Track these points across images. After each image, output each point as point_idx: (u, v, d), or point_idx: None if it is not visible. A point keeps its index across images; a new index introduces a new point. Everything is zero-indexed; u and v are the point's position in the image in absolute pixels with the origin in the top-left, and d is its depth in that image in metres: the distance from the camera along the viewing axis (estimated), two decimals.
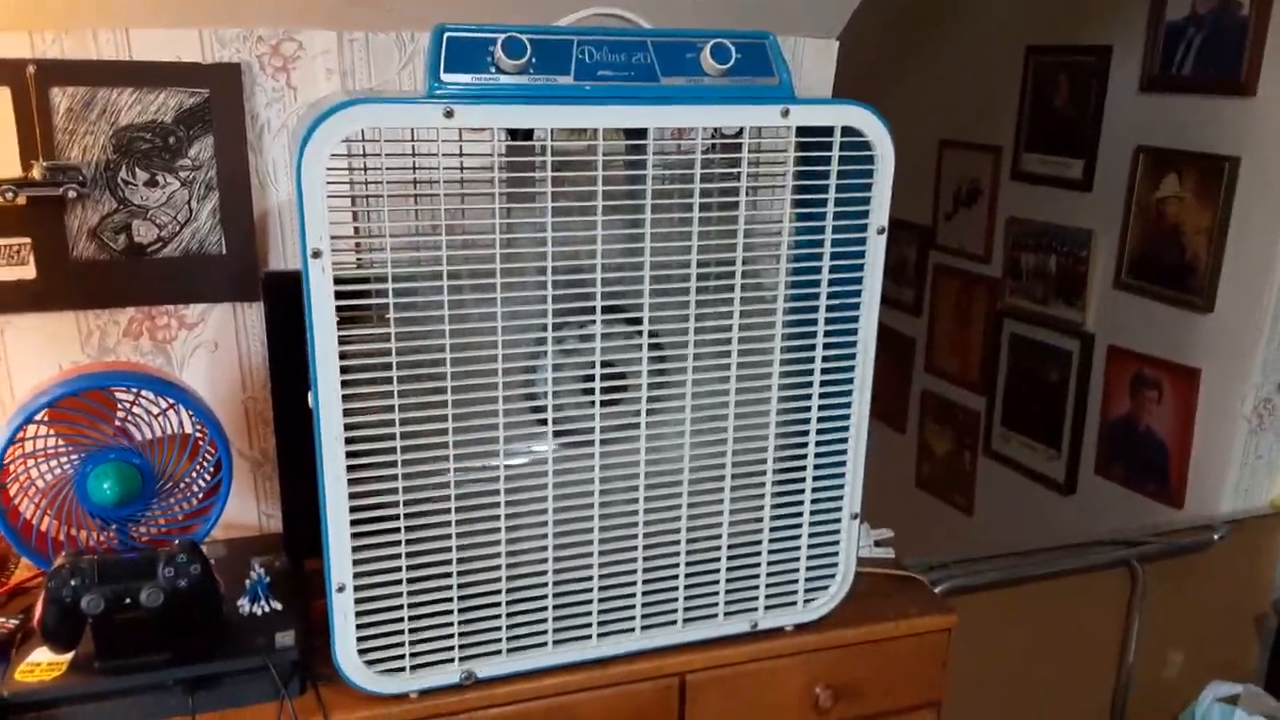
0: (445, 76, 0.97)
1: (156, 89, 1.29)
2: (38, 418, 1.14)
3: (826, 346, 1.17)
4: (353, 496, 1.03)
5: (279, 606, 1.19)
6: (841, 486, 1.23)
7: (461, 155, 1.09)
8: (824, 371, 1.18)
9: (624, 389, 1.13)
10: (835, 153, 1.10)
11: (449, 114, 0.96)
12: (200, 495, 1.23)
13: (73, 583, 1.04)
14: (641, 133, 1.06)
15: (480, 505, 1.09)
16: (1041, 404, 2.72)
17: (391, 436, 1.03)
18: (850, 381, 1.19)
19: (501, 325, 1.04)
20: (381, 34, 1.36)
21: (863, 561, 1.41)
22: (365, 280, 1.00)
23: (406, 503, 1.06)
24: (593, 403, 1.11)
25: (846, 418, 1.20)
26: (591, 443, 1.11)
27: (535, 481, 1.11)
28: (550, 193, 1.02)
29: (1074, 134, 2.53)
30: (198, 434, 1.21)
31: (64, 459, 1.17)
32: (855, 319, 1.17)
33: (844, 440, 1.21)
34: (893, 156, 1.12)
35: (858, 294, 1.16)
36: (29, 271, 1.30)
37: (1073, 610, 2.09)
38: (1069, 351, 2.61)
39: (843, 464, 1.22)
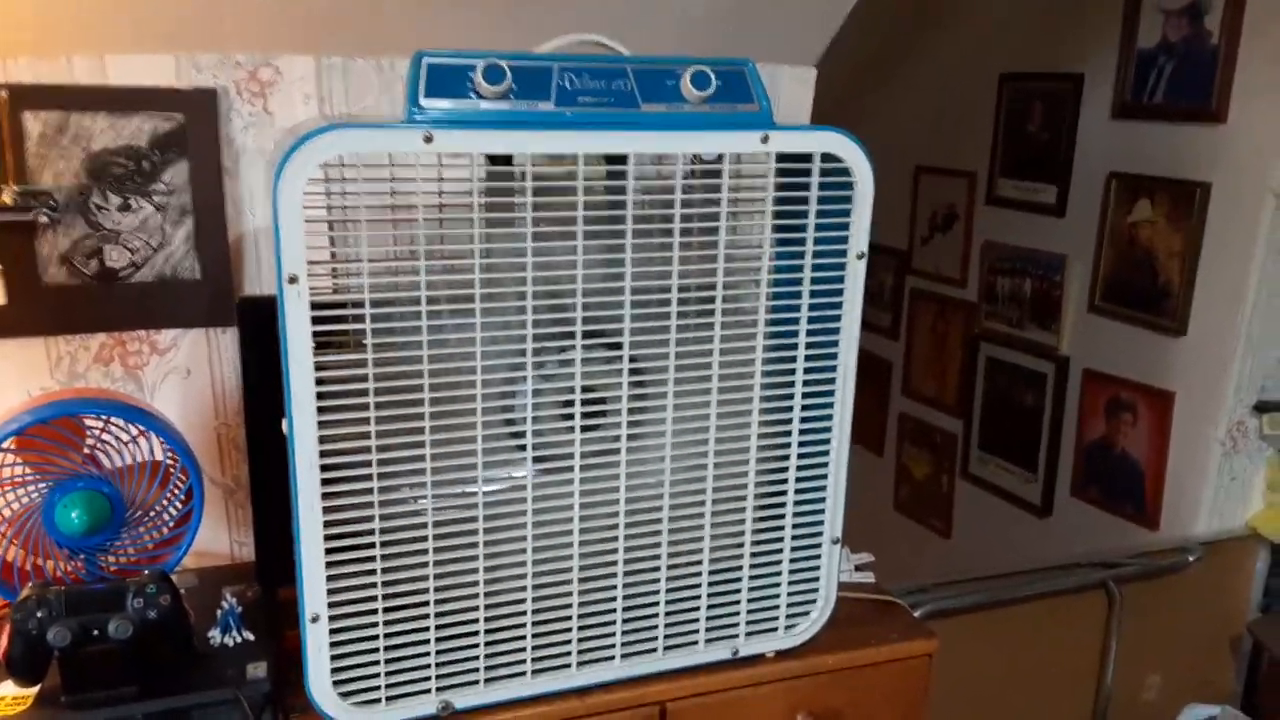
0: (425, 102, 0.97)
1: (131, 114, 1.27)
2: (4, 445, 1.12)
3: (807, 371, 1.17)
4: (328, 525, 1.02)
5: (251, 637, 1.16)
6: (822, 511, 1.22)
7: (440, 180, 1.08)
8: (804, 396, 1.17)
9: (604, 414, 1.12)
10: (815, 179, 1.10)
11: (428, 139, 0.96)
12: (171, 524, 1.21)
13: (39, 614, 1.02)
14: (621, 158, 1.06)
15: (458, 533, 1.08)
16: (1018, 427, 2.73)
17: (367, 463, 1.02)
18: (831, 406, 1.19)
19: (480, 350, 1.03)
20: (359, 59, 1.36)
21: (843, 586, 1.40)
22: (342, 305, 0.99)
23: (383, 531, 1.04)
24: (572, 428, 1.10)
25: (827, 442, 1.20)
26: (571, 468, 1.10)
27: (514, 508, 1.09)
28: (530, 218, 1.02)
29: (1047, 160, 2.56)
30: (168, 461, 1.19)
31: (31, 488, 1.14)
32: (835, 344, 1.17)
33: (824, 465, 1.21)
34: (872, 183, 1.12)
35: (838, 319, 1.16)
36: None
37: (1051, 632, 2.09)
38: (1044, 375, 2.63)
39: (823, 488, 1.21)
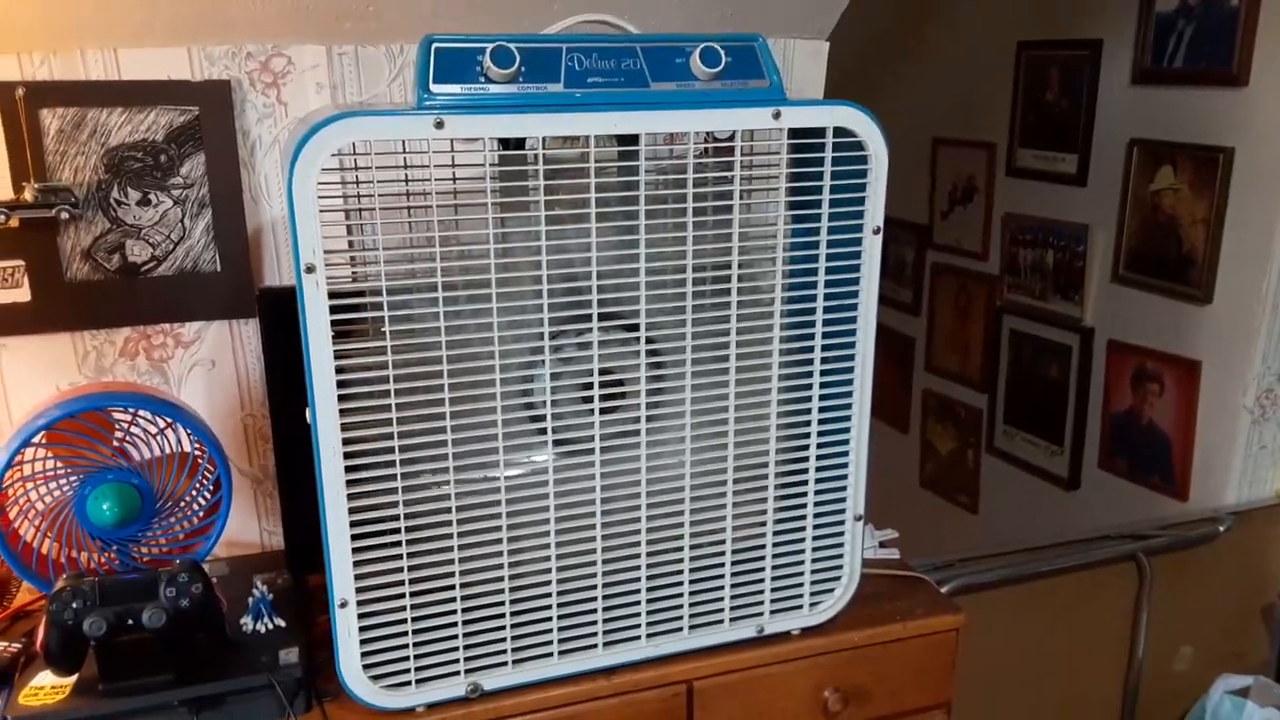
0: (434, 87, 0.97)
1: (146, 108, 1.29)
2: (35, 440, 1.14)
3: (825, 348, 1.16)
4: (353, 511, 1.03)
5: (282, 623, 1.18)
6: (844, 488, 1.22)
7: (454, 166, 1.08)
8: (823, 373, 1.17)
9: (623, 396, 1.12)
10: (829, 154, 1.10)
11: (439, 125, 0.96)
12: (201, 514, 1.23)
13: (74, 605, 1.03)
14: (634, 139, 1.06)
15: (481, 516, 1.08)
16: (1043, 400, 2.71)
17: (390, 450, 1.03)
18: (850, 382, 1.18)
19: (498, 335, 1.03)
20: (370, 47, 1.36)
21: (868, 563, 1.40)
22: (360, 294, 1.00)
23: (407, 516, 1.05)
24: (592, 411, 1.11)
25: (847, 419, 1.20)
26: (591, 451, 1.11)
27: (536, 491, 1.10)
28: (544, 201, 1.02)
29: (1067, 129, 2.53)
30: (196, 452, 1.21)
31: (63, 481, 1.16)
32: (853, 319, 1.16)
33: (845, 442, 1.20)
34: (886, 156, 1.11)
35: (855, 294, 1.15)
36: (24, 294, 1.30)
37: (1081, 606, 2.08)
38: (1069, 347, 2.60)
39: (845, 465, 1.21)
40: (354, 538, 1.03)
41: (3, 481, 1.11)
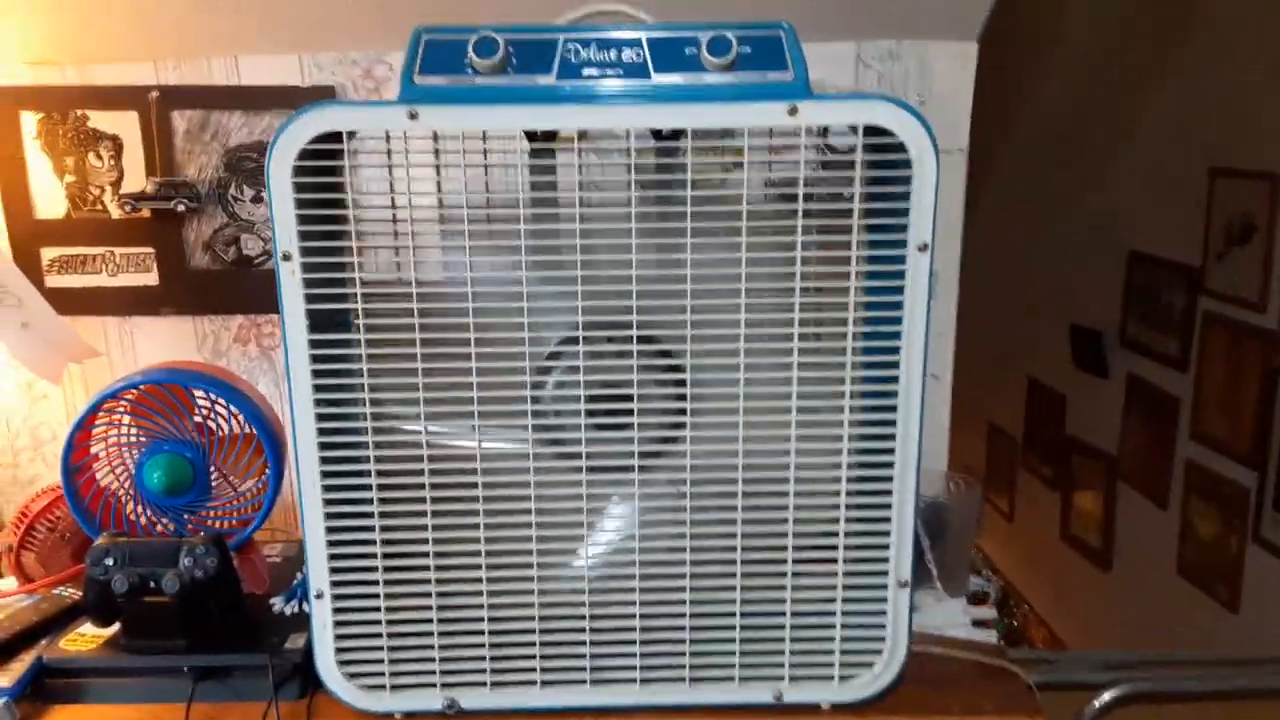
0: (418, 79, 0.95)
1: (261, 112, 1.38)
2: (118, 408, 1.24)
3: (859, 385, 1.01)
4: (328, 504, 1.03)
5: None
6: (885, 547, 1.05)
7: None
8: (863, 420, 1.02)
9: (630, 414, 1.04)
10: (859, 156, 0.95)
11: (413, 115, 0.94)
12: (252, 492, 1.28)
13: (106, 562, 1.12)
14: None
15: (460, 511, 1.03)
16: None
17: (364, 440, 1.01)
18: (892, 424, 1.01)
19: (472, 342, 0.99)
20: None
21: (954, 644, 1.21)
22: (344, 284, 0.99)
23: (383, 515, 1.03)
24: (596, 426, 1.03)
25: (889, 467, 1.03)
26: (594, 470, 1.03)
27: (517, 492, 1.03)
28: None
29: None
30: (247, 433, 1.26)
31: (137, 448, 1.26)
32: (895, 350, 1.00)
33: (886, 493, 1.04)
34: (935, 160, 0.95)
35: (897, 321, 0.99)
36: (153, 278, 1.43)
37: None
38: None
39: (886, 521, 1.04)
40: (330, 529, 1.03)
41: (74, 442, 1.22)
